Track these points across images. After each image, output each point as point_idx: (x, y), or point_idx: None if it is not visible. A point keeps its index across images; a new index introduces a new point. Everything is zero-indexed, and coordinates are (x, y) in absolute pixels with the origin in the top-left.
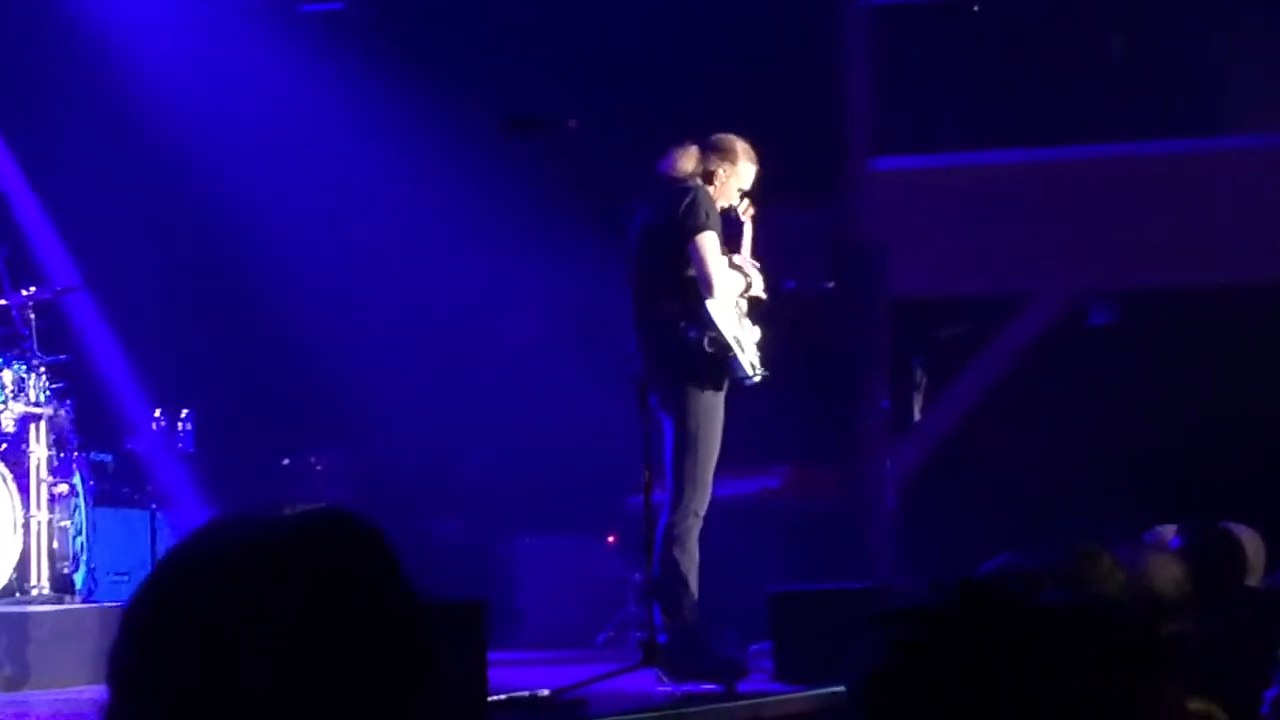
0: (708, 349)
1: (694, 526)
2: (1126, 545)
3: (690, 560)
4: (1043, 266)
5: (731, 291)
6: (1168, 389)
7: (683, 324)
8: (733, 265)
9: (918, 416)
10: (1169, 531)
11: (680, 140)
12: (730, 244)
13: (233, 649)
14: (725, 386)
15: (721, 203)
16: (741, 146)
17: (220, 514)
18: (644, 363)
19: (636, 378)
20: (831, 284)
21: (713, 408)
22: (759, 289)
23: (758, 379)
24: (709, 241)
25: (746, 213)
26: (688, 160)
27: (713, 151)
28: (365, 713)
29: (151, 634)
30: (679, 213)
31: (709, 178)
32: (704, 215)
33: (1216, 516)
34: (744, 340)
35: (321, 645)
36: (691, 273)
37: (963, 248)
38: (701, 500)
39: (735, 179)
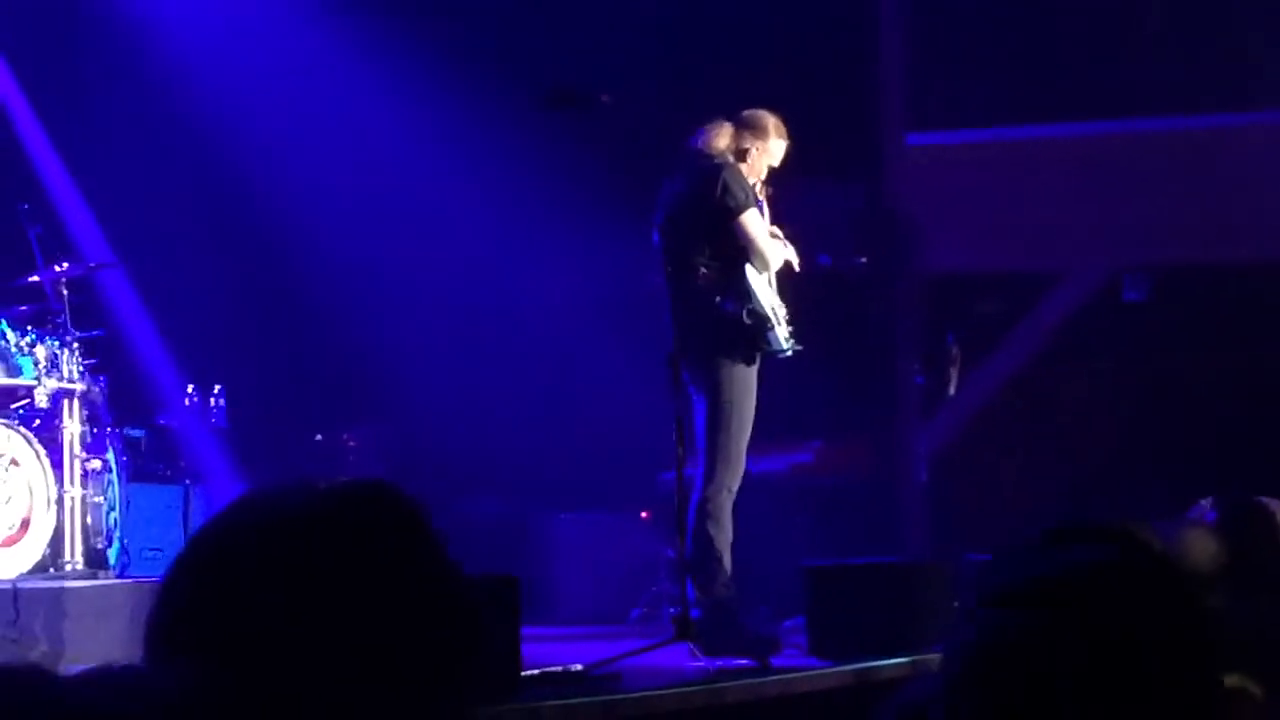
0: (746, 320)
1: (727, 502)
2: (1162, 520)
3: (724, 535)
4: (1077, 242)
5: (779, 262)
6: (1202, 365)
7: (718, 297)
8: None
9: (951, 392)
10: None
11: (713, 115)
12: None
13: (270, 621)
14: (758, 361)
15: (752, 179)
16: (773, 123)
17: (257, 487)
18: (676, 337)
19: (669, 352)
20: (865, 260)
21: (746, 382)
22: (793, 260)
23: (790, 352)
24: (754, 218)
25: (763, 193)
26: (721, 137)
27: (745, 128)
28: (404, 684)
29: (188, 606)
30: (715, 192)
31: (741, 155)
32: (743, 194)
33: (1252, 492)
34: (779, 313)
35: (359, 617)
36: (726, 246)
37: (997, 223)
38: (735, 475)
39: (766, 156)
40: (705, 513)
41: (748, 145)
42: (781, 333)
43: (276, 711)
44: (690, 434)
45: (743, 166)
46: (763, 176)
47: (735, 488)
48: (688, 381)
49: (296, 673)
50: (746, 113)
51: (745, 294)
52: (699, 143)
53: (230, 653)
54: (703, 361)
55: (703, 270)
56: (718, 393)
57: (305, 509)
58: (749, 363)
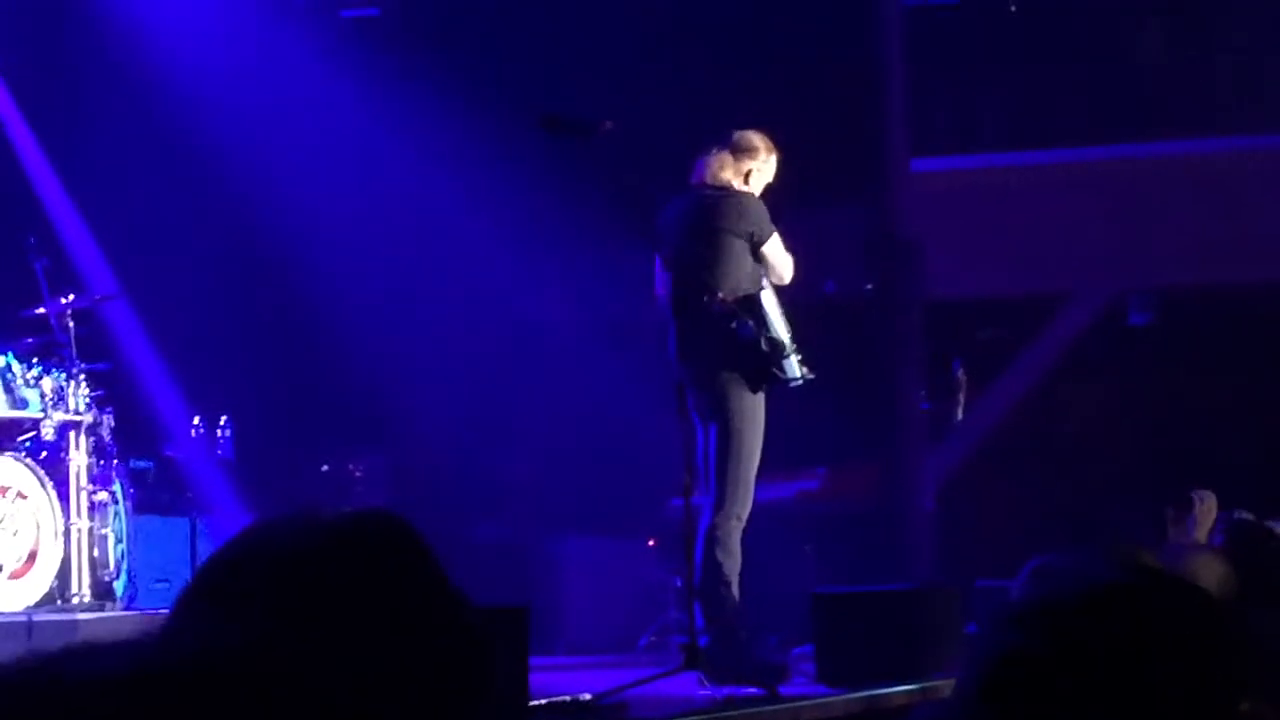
0: (764, 348)
1: (736, 529)
2: (1168, 545)
3: (733, 563)
4: (1082, 266)
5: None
6: (1208, 387)
7: (734, 324)
8: None
9: (958, 418)
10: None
11: (703, 146)
12: None
13: (273, 653)
14: (765, 388)
15: None
16: (760, 140)
17: (263, 517)
18: (685, 365)
19: (676, 380)
20: (870, 286)
21: (755, 409)
22: None
23: (803, 381)
24: (777, 242)
25: None
26: (724, 168)
27: (740, 152)
28: (412, 717)
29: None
30: (736, 223)
31: (746, 177)
32: (765, 220)
33: (1259, 513)
34: (791, 340)
35: (365, 648)
36: (742, 274)
37: (1001, 248)
38: (744, 503)
39: (762, 175)
40: (714, 540)
41: (748, 168)
42: (795, 360)
43: None
44: (694, 462)
45: (746, 188)
46: (758, 193)
47: (745, 515)
48: (694, 408)
49: (302, 705)
50: (736, 136)
51: (762, 321)
52: (703, 175)
53: None
54: (713, 388)
55: (719, 297)
56: (728, 419)
57: (310, 539)
58: (758, 390)
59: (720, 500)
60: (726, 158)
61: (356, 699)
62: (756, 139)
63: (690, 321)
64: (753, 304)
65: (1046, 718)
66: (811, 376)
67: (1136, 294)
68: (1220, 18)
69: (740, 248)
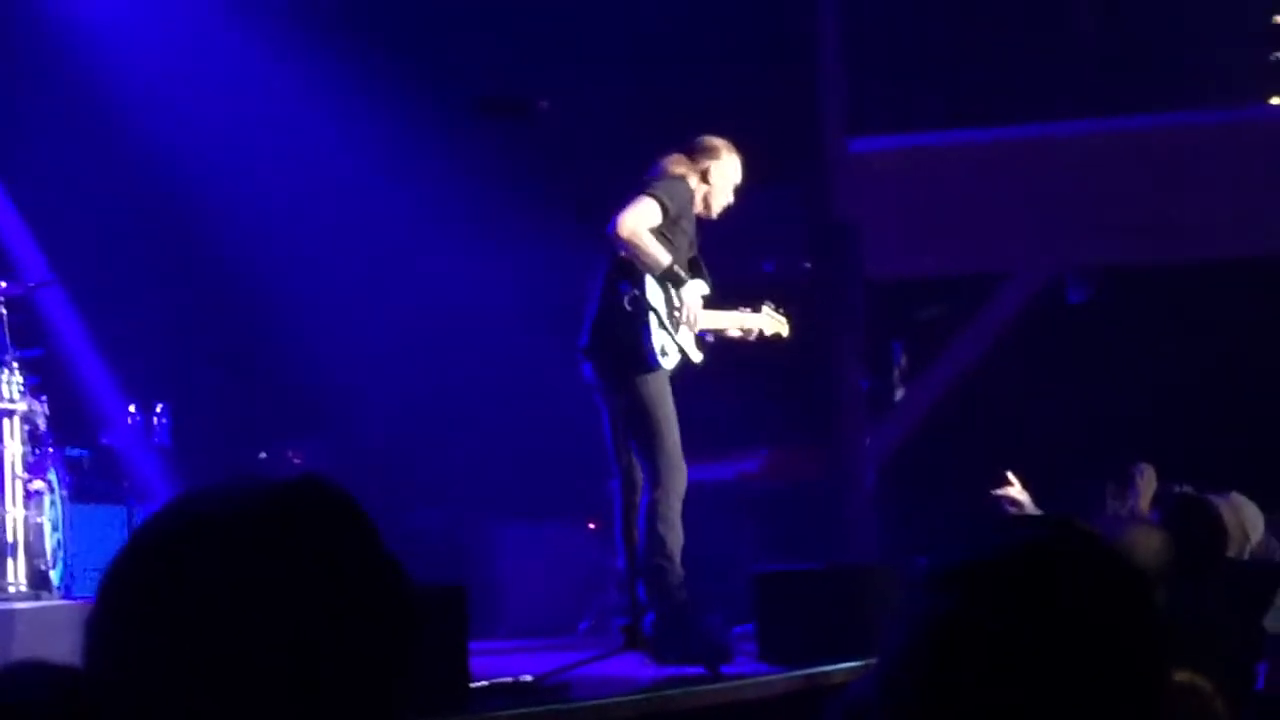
0: (627, 306)
1: (677, 505)
2: (1106, 518)
3: (676, 537)
4: (1020, 245)
5: (655, 263)
6: (1147, 365)
7: (618, 284)
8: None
9: (898, 397)
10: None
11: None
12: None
13: (209, 617)
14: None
15: (720, 200)
16: (721, 142)
17: (192, 488)
18: (594, 352)
19: (586, 369)
20: (808, 265)
21: (662, 384)
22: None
23: (666, 366)
24: (649, 204)
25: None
26: (677, 165)
27: (697, 152)
28: (344, 677)
29: (128, 605)
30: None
31: (704, 175)
32: (663, 188)
33: (1199, 490)
34: (670, 324)
35: (299, 611)
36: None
37: (939, 227)
38: (680, 479)
39: (725, 172)
40: (655, 516)
41: (705, 165)
42: (660, 339)
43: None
44: (620, 444)
45: (705, 188)
46: (728, 198)
47: (682, 491)
48: (602, 390)
49: (234, 670)
50: (695, 140)
51: (639, 283)
52: (655, 172)
53: (169, 650)
54: (618, 372)
55: (615, 276)
56: (642, 401)
57: (242, 505)
58: (633, 359)
59: (656, 479)
60: (677, 156)
61: (290, 660)
62: (715, 140)
63: (598, 306)
64: (636, 271)
65: (970, 679)
66: (674, 368)
67: (1074, 272)
68: None
69: None
